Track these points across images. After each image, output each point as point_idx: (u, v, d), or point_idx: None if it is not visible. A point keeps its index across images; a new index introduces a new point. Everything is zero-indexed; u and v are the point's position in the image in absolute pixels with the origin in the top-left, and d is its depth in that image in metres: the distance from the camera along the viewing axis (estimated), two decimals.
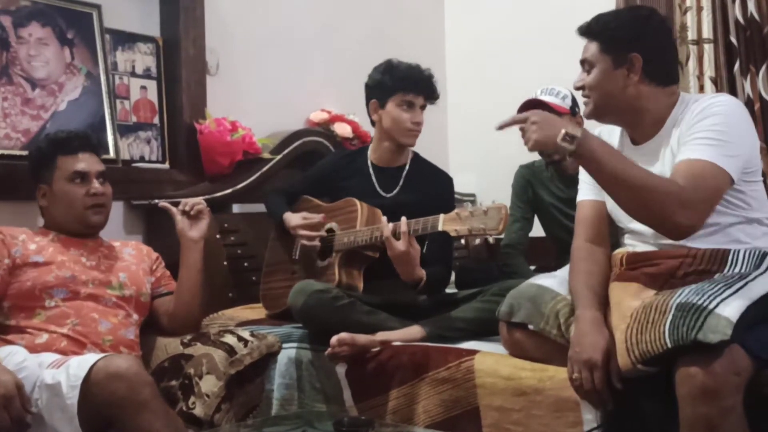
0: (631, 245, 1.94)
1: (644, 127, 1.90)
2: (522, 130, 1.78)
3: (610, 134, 2.01)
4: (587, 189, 2.04)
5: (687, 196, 1.69)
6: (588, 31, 1.91)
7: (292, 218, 2.52)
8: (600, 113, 1.92)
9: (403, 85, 2.47)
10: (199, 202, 2.27)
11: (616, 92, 1.86)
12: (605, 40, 1.86)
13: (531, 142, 1.75)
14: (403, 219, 2.18)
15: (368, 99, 2.55)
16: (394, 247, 2.18)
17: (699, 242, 1.79)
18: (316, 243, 2.47)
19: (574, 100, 2.74)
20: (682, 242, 1.79)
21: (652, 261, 1.83)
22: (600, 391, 1.69)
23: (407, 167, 2.56)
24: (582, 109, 2.00)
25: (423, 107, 2.50)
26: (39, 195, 2.17)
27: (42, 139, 2.27)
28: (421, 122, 2.49)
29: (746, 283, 1.64)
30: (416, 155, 2.60)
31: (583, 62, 1.91)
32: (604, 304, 1.83)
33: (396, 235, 2.18)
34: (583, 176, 2.05)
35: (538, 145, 1.74)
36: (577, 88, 1.94)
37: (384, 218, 2.26)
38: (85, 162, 2.16)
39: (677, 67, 1.98)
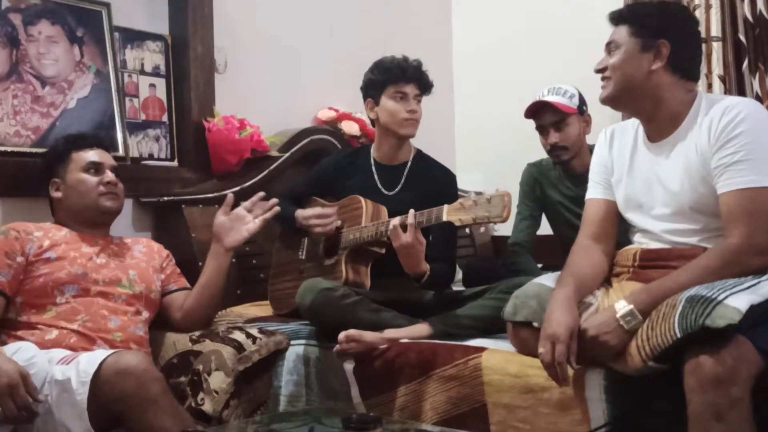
0: (645, 243, 1.94)
1: (660, 121, 1.90)
2: (590, 345, 1.74)
3: (624, 134, 2.02)
4: (596, 188, 2.06)
5: (752, 245, 1.71)
6: (619, 15, 1.93)
7: (305, 211, 2.53)
8: (618, 97, 1.92)
9: (391, 76, 2.49)
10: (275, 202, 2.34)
11: (638, 75, 1.87)
12: (637, 23, 1.88)
13: (613, 350, 1.71)
14: (411, 211, 2.18)
15: (365, 100, 2.58)
16: (400, 238, 2.18)
17: (715, 242, 1.80)
18: (331, 228, 2.44)
19: (581, 98, 2.73)
20: (697, 243, 1.83)
21: (666, 260, 1.84)
22: (559, 364, 1.72)
23: (409, 164, 2.56)
24: (599, 93, 1.97)
25: (418, 98, 2.50)
26: (52, 189, 2.20)
27: (58, 139, 2.34)
28: (416, 111, 2.48)
29: (758, 283, 1.65)
30: (419, 152, 2.61)
31: (609, 44, 1.92)
32: (583, 288, 1.86)
33: (403, 226, 2.19)
34: (593, 175, 2.07)
35: (622, 344, 1.70)
36: (598, 71, 1.94)
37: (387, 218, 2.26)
38: (99, 155, 2.22)
39: (700, 65, 1.99)
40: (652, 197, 1.92)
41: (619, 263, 1.98)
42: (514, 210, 2.20)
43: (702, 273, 1.70)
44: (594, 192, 2.06)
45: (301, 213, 2.54)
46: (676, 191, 1.86)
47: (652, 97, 1.88)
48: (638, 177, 1.96)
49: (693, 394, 1.55)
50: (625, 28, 1.89)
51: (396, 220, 2.21)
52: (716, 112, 1.82)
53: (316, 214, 2.48)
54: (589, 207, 2.06)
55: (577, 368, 1.75)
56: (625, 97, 1.92)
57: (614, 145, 2.04)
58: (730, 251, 1.73)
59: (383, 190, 2.54)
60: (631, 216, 1.98)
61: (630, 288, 1.83)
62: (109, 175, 2.20)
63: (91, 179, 2.18)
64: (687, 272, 1.73)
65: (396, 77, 2.48)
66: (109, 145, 2.31)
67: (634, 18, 1.90)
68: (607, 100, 1.95)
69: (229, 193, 2.34)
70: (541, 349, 1.76)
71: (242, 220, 2.29)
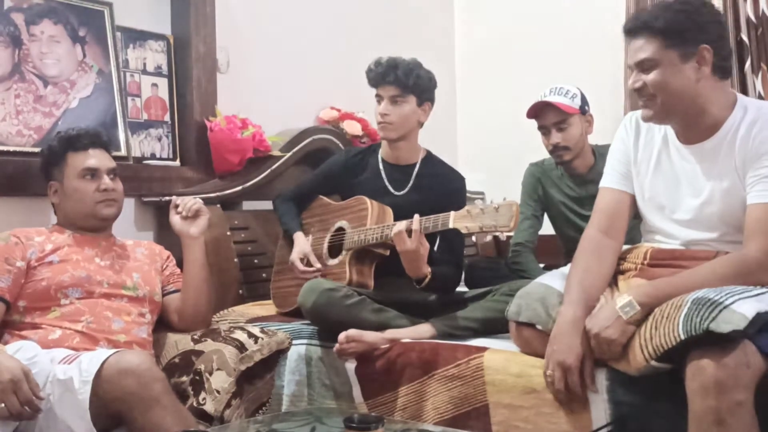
0: (657, 242, 1.93)
1: (701, 128, 1.82)
2: (595, 344, 1.74)
3: (651, 126, 1.93)
4: (614, 176, 1.98)
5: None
6: (644, 27, 1.77)
7: (298, 245, 2.53)
8: (665, 115, 1.83)
9: (370, 83, 2.53)
10: (194, 202, 2.26)
11: (687, 88, 1.76)
12: (670, 34, 1.74)
13: (616, 344, 1.70)
14: (416, 217, 2.17)
15: None
16: (404, 243, 2.17)
17: (729, 247, 1.79)
18: (301, 277, 2.45)
19: (583, 98, 2.73)
20: (713, 247, 1.81)
21: (678, 261, 1.82)
22: (572, 393, 1.74)
23: (418, 166, 2.55)
24: (641, 112, 1.86)
25: (396, 98, 2.46)
26: (50, 192, 2.19)
27: (53, 137, 2.28)
28: (385, 113, 2.47)
29: (767, 292, 1.64)
30: (429, 153, 2.60)
31: (640, 63, 1.79)
32: (591, 303, 1.82)
33: (408, 231, 2.18)
34: (613, 161, 2.00)
35: (624, 336, 1.69)
36: (636, 90, 1.82)
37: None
38: (95, 158, 2.18)
39: (732, 59, 1.90)
40: (677, 200, 1.87)
41: (627, 260, 1.95)
42: None
43: (712, 278, 1.68)
44: (610, 180, 1.99)
45: (295, 243, 2.53)
46: (705, 199, 1.82)
47: (699, 107, 1.79)
48: (665, 177, 1.90)
49: (694, 397, 1.54)
50: (656, 41, 1.75)
51: (401, 225, 2.19)
52: (760, 120, 1.75)
53: (302, 258, 2.47)
54: (604, 196, 1.99)
55: (595, 391, 1.75)
56: (673, 113, 1.82)
57: (641, 136, 1.95)
58: (745, 263, 1.71)
59: (392, 190, 2.54)
60: (650, 215, 1.94)
61: (635, 284, 1.82)
62: (106, 181, 2.16)
63: (88, 187, 2.15)
64: (697, 274, 1.71)
65: (371, 83, 2.53)
66: (107, 142, 2.26)
67: (666, 29, 1.74)
68: (654, 120, 1.85)
69: (174, 199, 2.30)
70: (549, 371, 1.77)
71: (196, 213, 2.26)
